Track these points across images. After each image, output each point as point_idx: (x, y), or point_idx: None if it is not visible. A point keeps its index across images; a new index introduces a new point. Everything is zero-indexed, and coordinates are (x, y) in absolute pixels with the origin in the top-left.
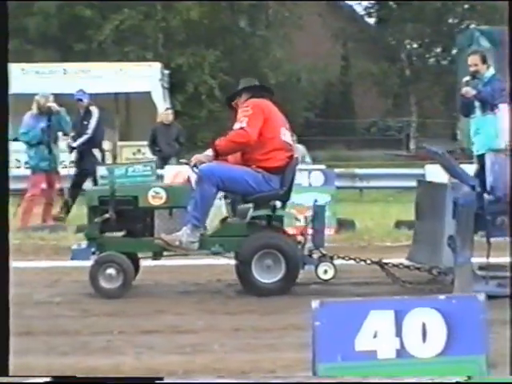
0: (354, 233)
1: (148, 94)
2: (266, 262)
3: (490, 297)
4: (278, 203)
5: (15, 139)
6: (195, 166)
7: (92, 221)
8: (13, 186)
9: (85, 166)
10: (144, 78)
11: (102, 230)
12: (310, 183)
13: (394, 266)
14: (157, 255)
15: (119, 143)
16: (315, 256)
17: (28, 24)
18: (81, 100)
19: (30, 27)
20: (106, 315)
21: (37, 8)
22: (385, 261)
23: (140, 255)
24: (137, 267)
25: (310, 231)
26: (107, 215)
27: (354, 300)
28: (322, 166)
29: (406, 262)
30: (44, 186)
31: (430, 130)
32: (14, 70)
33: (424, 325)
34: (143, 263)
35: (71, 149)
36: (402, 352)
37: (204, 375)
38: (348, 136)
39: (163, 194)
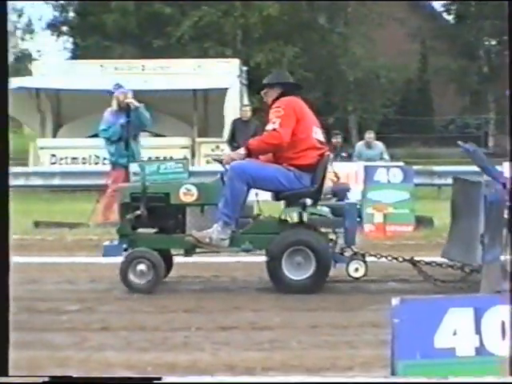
0: (432, 230)
1: (226, 90)
2: (296, 259)
3: None
4: (309, 201)
5: (95, 135)
6: (227, 163)
7: (124, 217)
8: (91, 181)
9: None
10: (222, 74)
11: (134, 227)
12: (389, 180)
13: (426, 263)
14: (188, 252)
15: (197, 139)
16: (347, 254)
17: (106, 21)
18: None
19: (108, 24)
20: (184, 311)
21: (115, 5)
22: (417, 258)
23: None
24: (170, 264)
25: (341, 229)
26: (139, 212)
27: (433, 297)
28: (401, 163)
29: (439, 260)
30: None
31: (508, 127)
32: (93, 66)
33: (503, 322)
34: (223, 259)
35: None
36: (481, 350)
37: (282, 372)
38: (426, 133)
39: (195, 191)
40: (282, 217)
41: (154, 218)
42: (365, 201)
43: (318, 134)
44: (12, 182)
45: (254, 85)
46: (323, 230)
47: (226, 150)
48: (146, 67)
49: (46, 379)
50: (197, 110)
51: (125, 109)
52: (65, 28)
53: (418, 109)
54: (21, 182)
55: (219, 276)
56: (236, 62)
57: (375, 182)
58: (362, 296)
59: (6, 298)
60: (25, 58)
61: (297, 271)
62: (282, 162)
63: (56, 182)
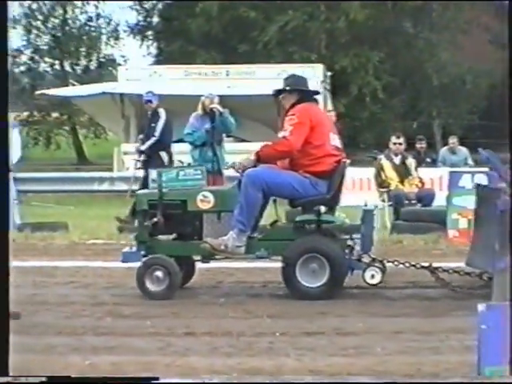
0: None
1: None
2: (311, 267)
3: None
4: (323, 208)
5: (178, 140)
6: (240, 170)
7: (142, 224)
8: None
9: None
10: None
11: (152, 233)
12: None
13: (444, 270)
14: (205, 259)
15: None
16: (365, 260)
17: (191, 26)
18: (150, 101)
19: (192, 29)
20: (268, 316)
21: (199, 9)
22: (435, 265)
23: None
24: (191, 270)
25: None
26: (156, 219)
27: None
28: (486, 169)
29: (457, 267)
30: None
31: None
32: (178, 72)
33: None
34: None
35: (140, 152)
36: None
37: (366, 378)
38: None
39: (211, 197)
40: (298, 224)
41: (171, 225)
42: (450, 206)
43: (335, 141)
44: (97, 186)
45: (338, 90)
46: (342, 236)
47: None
48: (230, 72)
49: (44, 379)
50: (280, 116)
51: (210, 114)
52: (149, 33)
53: (503, 114)
54: (105, 186)
55: None
56: (320, 67)
57: (460, 188)
58: (446, 302)
59: (6, 299)
60: (109, 63)
61: (311, 278)
62: (298, 169)
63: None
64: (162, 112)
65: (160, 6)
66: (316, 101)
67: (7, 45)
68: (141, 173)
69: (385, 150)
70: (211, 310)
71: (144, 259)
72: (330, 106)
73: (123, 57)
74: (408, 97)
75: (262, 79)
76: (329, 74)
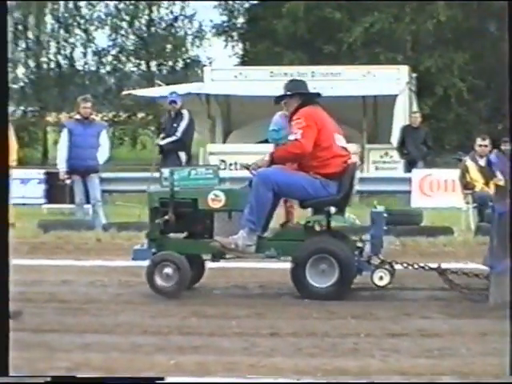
0: None
1: (396, 97)
2: (320, 267)
3: None
4: (333, 209)
5: (264, 141)
6: (254, 169)
7: (153, 222)
8: None
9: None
10: (392, 80)
11: (163, 231)
12: None
13: (452, 272)
14: (216, 257)
15: (367, 146)
16: (374, 262)
17: (277, 26)
18: (174, 102)
19: (278, 30)
20: (352, 317)
21: (285, 10)
22: (443, 267)
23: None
24: (201, 269)
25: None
26: (167, 217)
27: None
28: None
29: (465, 269)
30: None
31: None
32: (263, 73)
33: None
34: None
35: (159, 147)
36: None
37: (451, 379)
38: None
39: (222, 196)
40: (308, 224)
41: (182, 223)
42: None
43: (340, 141)
44: (123, 187)
45: (423, 91)
46: (353, 237)
47: (394, 156)
48: (315, 73)
49: (48, 379)
50: (366, 117)
51: None
52: (235, 34)
53: None
54: None
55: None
56: (405, 68)
57: None
58: None
59: (6, 298)
60: (194, 64)
61: (320, 278)
62: (308, 172)
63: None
64: (185, 113)
65: (246, 6)
66: (318, 103)
67: (7, 44)
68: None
69: (470, 152)
70: (295, 311)
71: (154, 256)
72: (415, 107)
73: (209, 58)
74: (493, 99)
75: (347, 80)
76: (414, 75)
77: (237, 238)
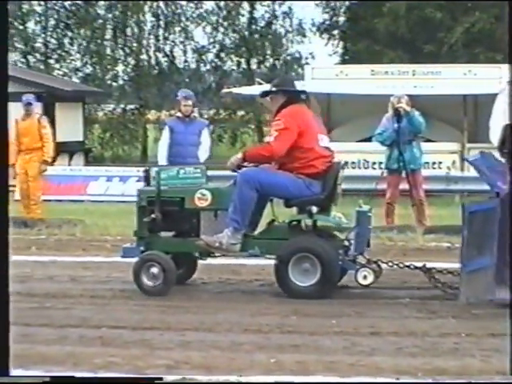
0: None
1: (496, 96)
2: (304, 266)
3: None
4: (315, 208)
5: (365, 140)
6: (230, 168)
7: (141, 220)
8: (360, 186)
9: None
10: (492, 80)
11: (151, 230)
12: None
13: (438, 271)
14: (203, 255)
15: (467, 145)
16: (361, 261)
17: (377, 25)
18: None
19: (379, 28)
20: (453, 317)
21: (386, 9)
22: (428, 266)
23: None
24: (193, 267)
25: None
26: (153, 215)
27: None
28: None
29: (450, 268)
30: (398, 187)
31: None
32: (364, 71)
33: None
34: None
35: None
36: None
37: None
38: None
39: (209, 195)
40: (292, 223)
41: (169, 222)
42: None
43: (323, 141)
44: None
45: None
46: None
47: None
48: (416, 72)
49: (47, 379)
50: (467, 116)
51: (397, 114)
52: (336, 32)
53: None
54: None
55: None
56: (506, 67)
57: None
58: None
59: (6, 297)
60: (294, 61)
61: (303, 277)
62: (292, 172)
63: None
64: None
65: (346, 4)
66: (305, 101)
67: (7, 44)
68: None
69: None
70: (396, 310)
71: (141, 255)
72: None
73: (310, 53)
74: None
75: (447, 79)
76: None
77: (221, 237)
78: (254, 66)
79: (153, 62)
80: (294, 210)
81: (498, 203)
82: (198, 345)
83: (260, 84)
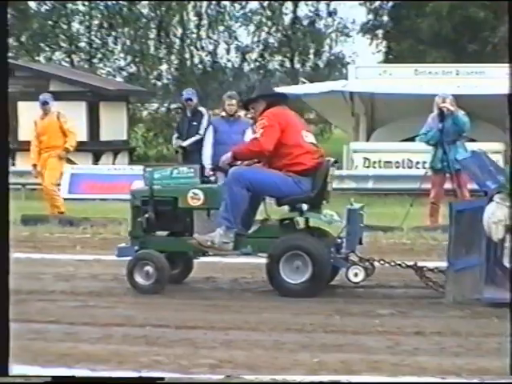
0: None
1: None
2: (295, 264)
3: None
4: (305, 206)
5: (408, 139)
6: (221, 166)
7: (135, 220)
8: (404, 186)
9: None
10: None
11: (145, 229)
12: None
13: (429, 270)
14: (197, 254)
15: None
16: (354, 259)
17: (421, 25)
18: (190, 100)
19: (423, 28)
20: (497, 317)
21: (430, 8)
22: (420, 264)
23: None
24: (189, 265)
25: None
26: (147, 215)
27: None
28: None
29: (442, 266)
30: (443, 186)
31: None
32: (407, 70)
33: None
34: None
35: (182, 148)
36: None
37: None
38: None
39: (201, 195)
40: (284, 221)
41: (163, 221)
42: None
43: (309, 138)
44: None
45: None
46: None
47: None
48: (460, 72)
49: (49, 379)
50: (510, 115)
51: (441, 113)
52: (379, 32)
53: None
54: (333, 184)
55: None
56: None
57: None
58: None
59: (6, 296)
60: (337, 61)
61: (294, 275)
62: (281, 170)
63: (369, 185)
64: (203, 110)
65: (390, 4)
66: (285, 103)
67: (7, 44)
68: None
69: None
70: (439, 310)
71: (135, 254)
72: None
73: (353, 53)
74: None
75: (491, 78)
76: None
77: (213, 236)
78: (297, 66)
79: (196, 61)
80: (286, 208)
81: (485, 202)
82: (241, 344)
83: (304, 83)
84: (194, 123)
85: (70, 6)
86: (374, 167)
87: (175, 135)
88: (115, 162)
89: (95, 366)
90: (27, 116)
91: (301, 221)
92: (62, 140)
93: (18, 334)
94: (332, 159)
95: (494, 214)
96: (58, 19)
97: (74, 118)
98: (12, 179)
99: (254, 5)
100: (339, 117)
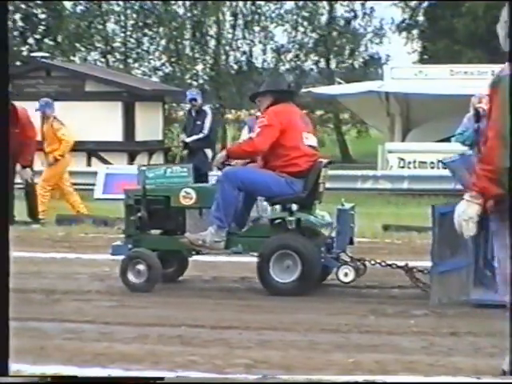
0: None
1: None
2: (285, 263)
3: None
4: (295, 206)
5: (444, 139)
6: (216, 166)
7: (128, 218)
8: (438, 186)
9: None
10: None
11: (138, 228)
12: None
13: (419, 270)
14: (189, 252)
15: None
16: (345, 259)
17: (457, 25)
18: (195, 100)
19: (458, 28)
20: None
21: (465, 9)
22: (411, 265)
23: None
24: (184, 264)
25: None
26: (139, 214)
27: None
28: None
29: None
30: None
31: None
32: (443, 71)
33: None
34: None
35: (184, 144)
36: None
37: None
38: None
39: (193, 194)
40: (274, 221)
41: (156, 220)
42: None
43: (309, 140)
44: (360, 185)
45: None
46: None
47: None
48: (495, 72)
49: (49, 379)
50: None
51: (477, 114)
52: (415, 32)
53: None
54: (368, 185)
55: None
56: None
57: None
58: None
59: (5, 295)
60: (373, 61)
61: (284, 274)
62: (275, 170)
63: (404, 185)
64: (207, 110)
65: (425, 4)
66: (292, 100)
67: (7, 44)
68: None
69: None
70: (474, 310)
71: (127, 252)
72: None
73: (388, 56)
74: None
75: None
76: None
77: (205, 235)
78: (333, 66)
79: (231, 61)
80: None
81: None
82: (276, 344)
83: (340, 83)
84: (198, 122)
85: (105, 6)
86: (409, 168)
87: (182, 134)
88: (150, 162)
89: (130, 366)
90: (63, 116)
91: (292, 220)
92: (58, 146)
93: (53, 333)
94: (325, 160)
95: (464, 211)
96: (94, 19)
97: (109, 118)
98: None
99: (289, 5)
100: (375, 117)
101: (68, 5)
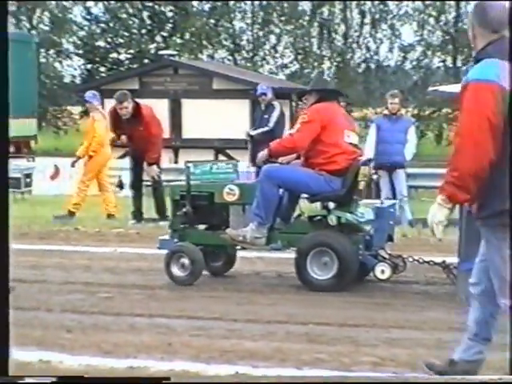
0: None
1: None
2: (322, 260)
3: None
4: (331, 204)
5: None
6: (259, 163)
7: (175, 214)
8: None
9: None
10: None
11: (183, 223)
12: None
13: (455, 267)
14: (232, 248)
15: None
16: (384, 256)
17: None
18: (265, 94)
19: None
20: None
21: None
22: (448, 262)
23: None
24: (232, 258)
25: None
26: (185, 209)
27: None
28: None
29: None
30: None
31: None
32: None
33: None
34: None
35: (250, 137)
36: None
37: None
38: None
39: (237, 191)
40: (313, 218)
41: (201, 215)
42: None
43: (350, 138)
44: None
45: None
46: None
47: None
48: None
49: (54, 379)
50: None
51: None
52: None
53: None
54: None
55: None
56: None
57: None
58: None
59: (6, 298)
60: None
61: (321, 270)
62: (314, 168)
63: None
64: (276, 105)
65: None
66: (337, 99)
67: (7, 44)
68: None
69: None
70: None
71: (172, 246)
72: None
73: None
74: None
75: None
76: None
77: (245, 231)
78: (459, 64)
79: (358, 59)
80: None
81: None
82: (403, 342)
83: None
84: (266, 116)
85: (231, 3)
86: None
87: (252, 128)
88: None
89: (257, 363)
90: (191, 114)
91: (330, 218)
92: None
93: (180, 330)
94: (364, 158)
95: (434, 215)
96: (221, 17)
97: (237, 115)
98: (172, 176)
99: (417, 3)
100: None
101: (195, 3)
